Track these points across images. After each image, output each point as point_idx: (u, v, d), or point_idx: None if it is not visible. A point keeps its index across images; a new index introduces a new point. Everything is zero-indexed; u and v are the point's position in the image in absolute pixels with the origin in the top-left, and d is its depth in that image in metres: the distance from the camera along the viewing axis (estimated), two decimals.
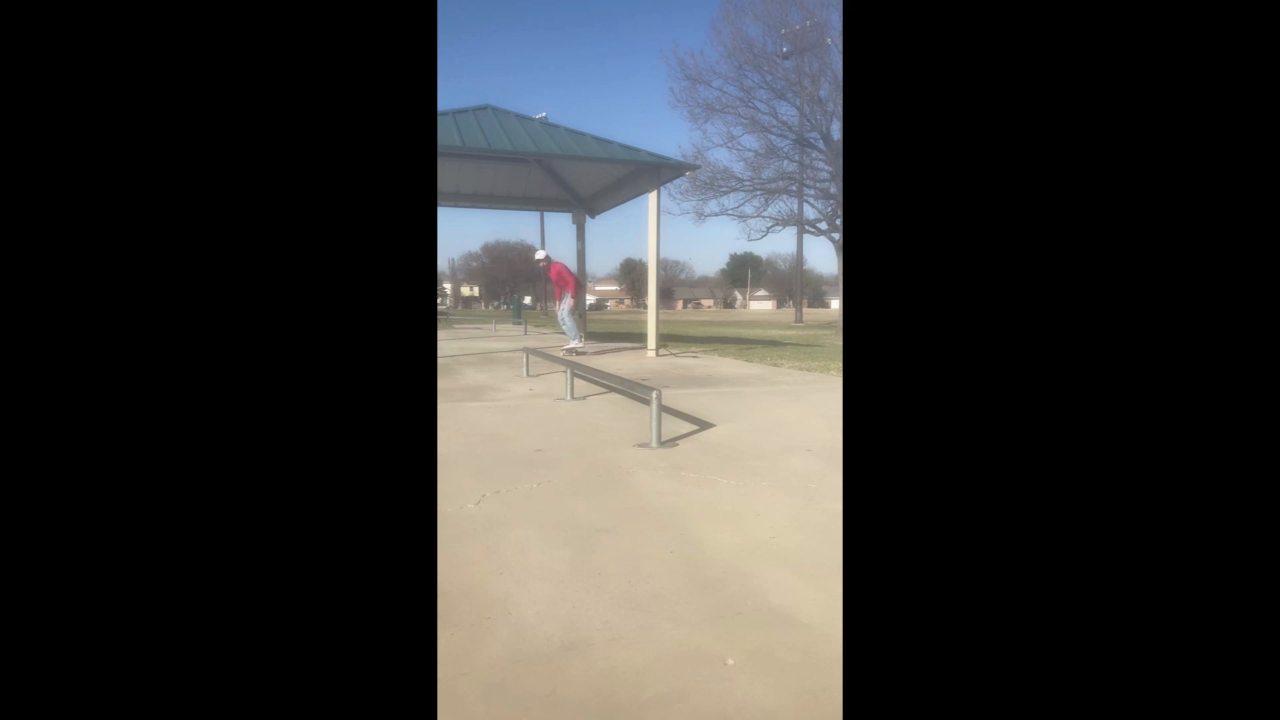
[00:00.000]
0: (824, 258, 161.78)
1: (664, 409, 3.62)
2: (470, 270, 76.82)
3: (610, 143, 8.90)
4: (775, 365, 7.82)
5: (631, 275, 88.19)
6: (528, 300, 54.00)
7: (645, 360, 8.34)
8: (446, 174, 11.70)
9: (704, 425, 4.08)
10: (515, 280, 62.27)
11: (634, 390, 3.90)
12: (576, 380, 5.24)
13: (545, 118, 9.63)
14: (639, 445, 3.51)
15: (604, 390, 5.52)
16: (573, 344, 9.09)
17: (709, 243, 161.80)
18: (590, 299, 70.62)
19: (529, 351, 7.02)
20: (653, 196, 8.75)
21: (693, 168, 9.70)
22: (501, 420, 4.30)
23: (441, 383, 6.16)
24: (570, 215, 13.02)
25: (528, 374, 6.72)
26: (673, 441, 3.60)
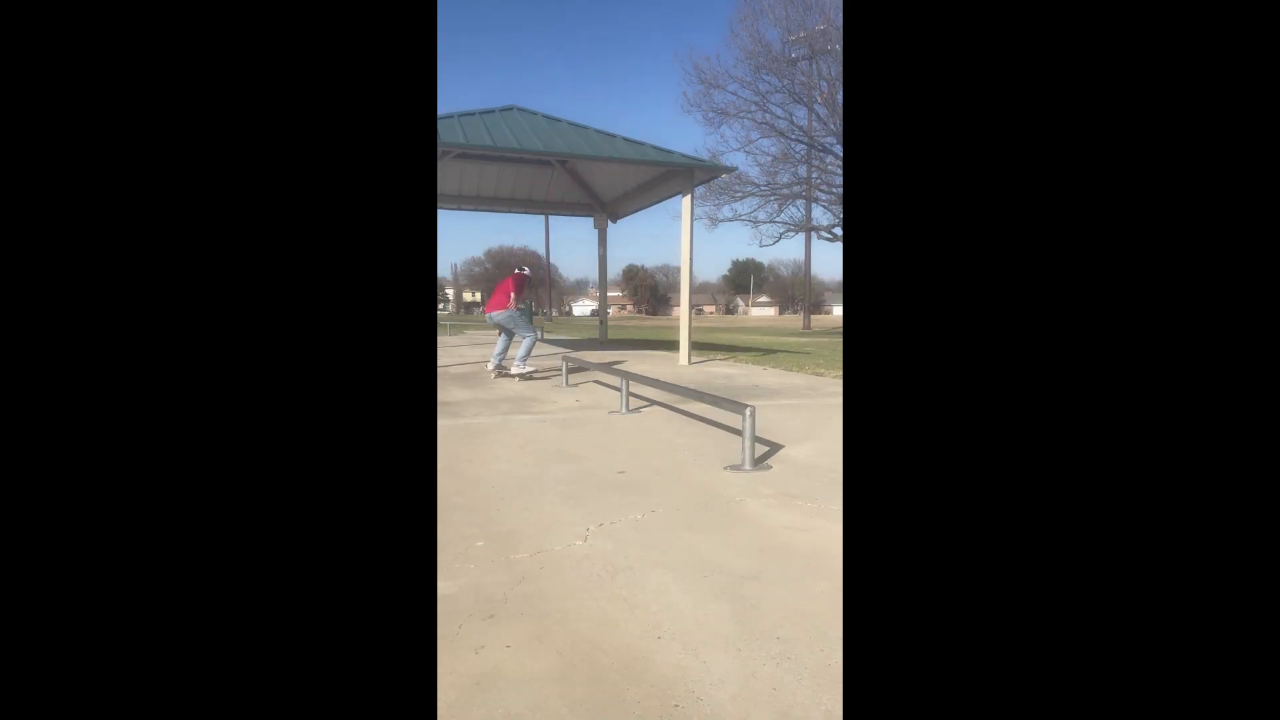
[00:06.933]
0: (826, 264, 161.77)
1: (718, 422, 3.29)
2: (473, 276, 76.56)
3: (642, 144, 8.61)
4: (818, 374, 7.50)
5: (634, 282, 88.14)
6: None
7: (680, 370, 8.02)
8: (468, 176, 11.42)
9: (781, 444, 3.76)
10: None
11: (721, 404, 3.57)
12: (616, 390, 4.91)
13: None
14: (730, 467, 3.19)
15: (647, 403, 5.20)
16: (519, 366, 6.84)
17: (710, 249, 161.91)
18: (591, 305, 70.31)
19: (566, 359, 6.70)
20: (686, 200, 8.45)
21: (729, 169, 9.43)
22: (562, 435, 3.98)
23: (478, 393, 5.86)
24: (591, 220, 12.73)
25: (567, 383, 6.40)
26: (763, 463, 3.28)
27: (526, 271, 7.21)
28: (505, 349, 7.20)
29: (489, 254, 69.19)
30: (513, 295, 6.90)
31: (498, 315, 6.94)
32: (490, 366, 7.22)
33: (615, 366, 6.44)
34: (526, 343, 6.88)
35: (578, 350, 10.52)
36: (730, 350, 11.95)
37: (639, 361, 8.75)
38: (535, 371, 7.12)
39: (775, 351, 11.65)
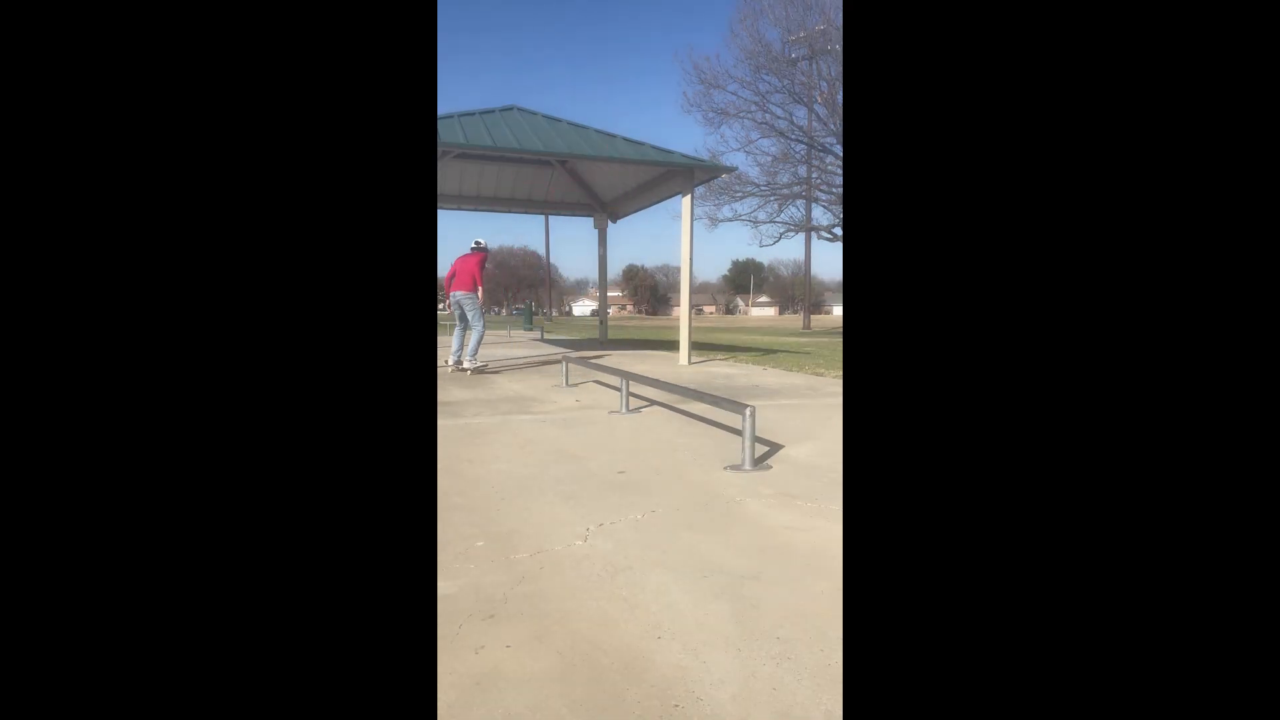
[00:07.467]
0: (826, 264, 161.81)
1: (718, 422, 3.29)
2: None
3: (642, 144, 8.61)
4: (818, 374, 7.50)
5: (634, 282, 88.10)
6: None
7: (680, 370, 8.02)
8: (468, 176, 11.42)
9: (781, 444, 3.76)
10: (519, 286, 62.03)
11: (721, 404, 3.57)
12: (617, 390, 4.91)
13: None
14: (730, 467, 3.19)
15: (647, 403, 5.20)
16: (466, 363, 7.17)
17: (710, 249, 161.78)
18: (591, 305, 70.08)
19: (567, 359, 6.70)
20: (686, 200, 8.45)
21: (729, 169, 9.41)
22: (562, 435, 3.98)
23: (478, 392, 5.86)
24: (591, 220, 12.73)
25: (567, 383, 6.40)
26: (763, 463, 3.28)
27: (484, 242, 7.30)
28: (462, 341, 7.24)
29: (490, 254, 69.08)
30: (477, 276, 6.99)
31: (460, 295, 7.02)
32: (449, 362, 7.23)
33: (615, 366, 6.44)
34: (476, 334, 6.99)
35: (578, 350, 10.52)
36: (730, 350, 11.95)
37: (639, 361, 8.75)
38: (485, 365, 7.17)
39: (775, 351, 11.65)
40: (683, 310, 8.83)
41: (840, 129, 17.70)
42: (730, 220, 20.34)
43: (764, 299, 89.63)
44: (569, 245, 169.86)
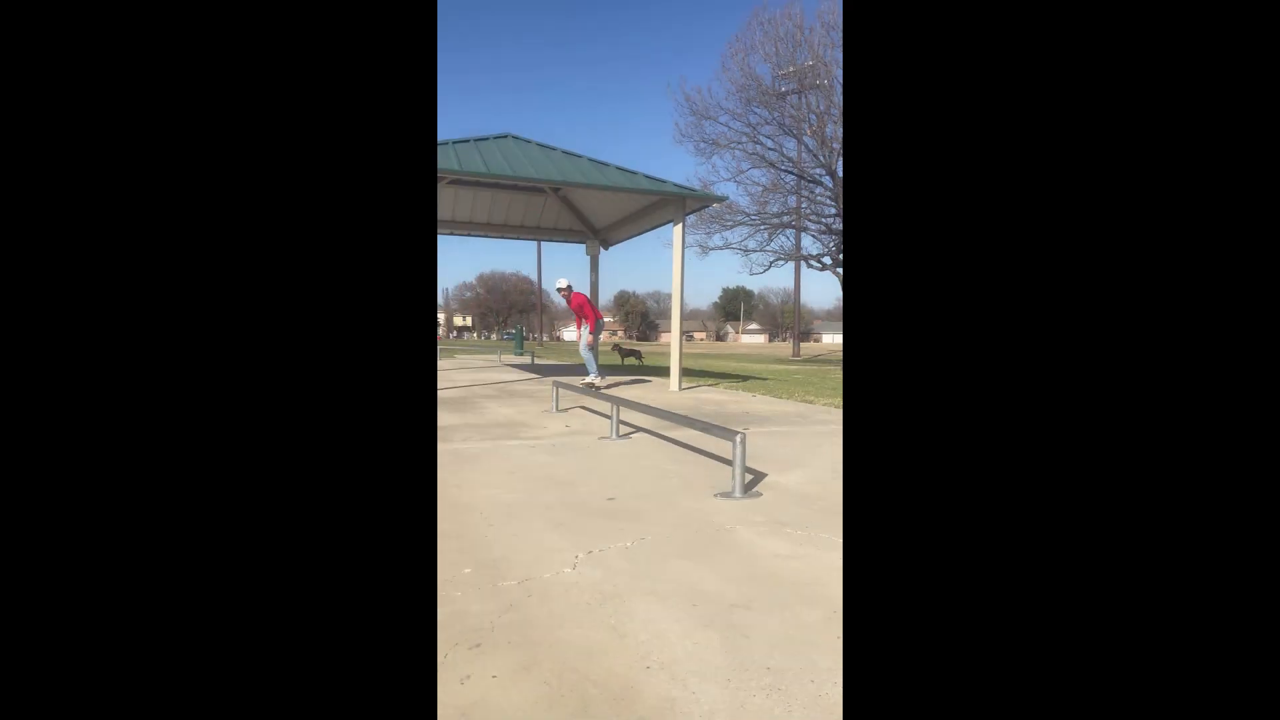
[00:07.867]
0: (815, 293, 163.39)
1: (709, 449, 3.29)
2: (464, 301, 76.56)
3: (635, 173, 8.72)
4: (809, 402, 7.52)
5: (625, 307, 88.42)
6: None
7: (671, 396, 8.02)
8: (462, 202, 11.50)
9: (772, 471, 3.75)
10: (510, 311, 62.09)
11: (712, 431, 3.56)
12: (607, 416, 4.90)
13: None
14: (720, 495, 3.17)
15: (638, 429, 5.18)
16: (591, 378, 8.24)
17: (701, 277, 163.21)
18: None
19: (558, 385, 6.69)
20: (677, 228, 8.54)
21: (720, 199, 9.51)
22: (552, 461, 3.95)
23: (469, 417, 5.82)
24: (584, 246, 12.81)
25: (557, 409, 6.38)
26: (754, 490, 3.27)
27: None
28: None
29: (481, 279, 69.23)
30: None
31: None
32: None
33: (605, 392, 6.44)
34: None
35: (568, 375, 10.50)
36: (720, 377, 11.96)
37: (630, 387, 8.75)
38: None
39: (765, 378, 11.68)
40: (674, 336, 8.86)
41: (829, 161, 18.03)
42: (721, 248, 20.57)
43: (754, 326, 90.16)
44: (561, 271, 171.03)
